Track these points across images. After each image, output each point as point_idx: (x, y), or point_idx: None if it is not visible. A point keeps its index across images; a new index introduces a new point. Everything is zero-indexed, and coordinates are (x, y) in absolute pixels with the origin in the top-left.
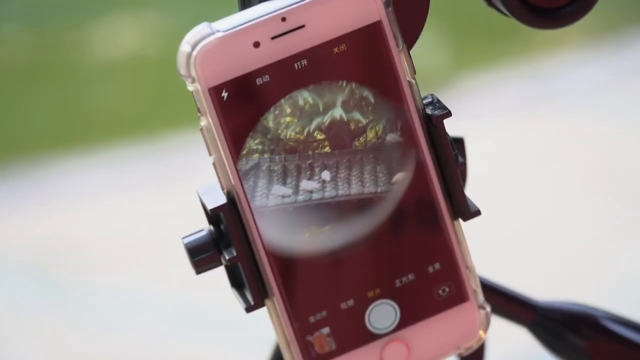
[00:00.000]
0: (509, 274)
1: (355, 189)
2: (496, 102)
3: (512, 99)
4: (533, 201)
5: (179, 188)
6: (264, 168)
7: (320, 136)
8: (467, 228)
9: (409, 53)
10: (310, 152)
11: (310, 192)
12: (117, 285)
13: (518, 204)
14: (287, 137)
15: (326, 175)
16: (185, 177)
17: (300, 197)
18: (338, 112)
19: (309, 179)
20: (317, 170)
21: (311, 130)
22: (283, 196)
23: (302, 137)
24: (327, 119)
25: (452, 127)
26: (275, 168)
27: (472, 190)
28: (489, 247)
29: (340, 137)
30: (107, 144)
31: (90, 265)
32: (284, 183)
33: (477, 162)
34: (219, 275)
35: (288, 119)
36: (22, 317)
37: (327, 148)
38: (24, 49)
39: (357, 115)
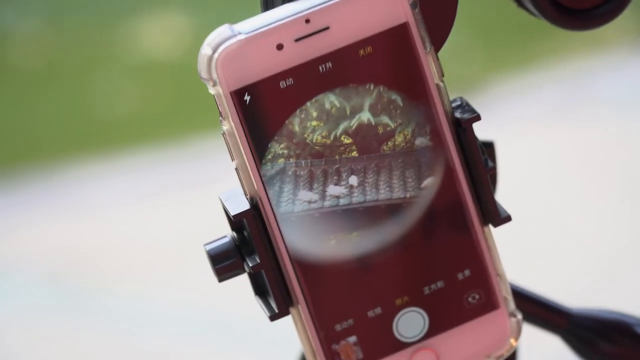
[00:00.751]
0: (541, 281)
1: (383, 194)
2: (531, 107)
3: (547, 105)
4: (567, 209)
5: (200, 195)
6: (289, 173)
7: (347, 140)
8: (498, 234)
9: (436, 55)
10: (337, 157)
11: (338, 197)
12: (137, 295)
13: (552, 211)
14: (314, 141)
15: (354, 180)
16: (207, 184)
17: (327, 203)
18: (366, 116)
19: (336, 184)
20: (344, 175)
21: (338, 134)
22: (310, 202)
23: (328, 142)
24: (354, 122)
25: (483, 132)
26: (302, 173)
27: (505, 197)
28: (521, 254)
29: (368, 141)
30: (127, 149)
31: (109, 274)
32: (311, 188)
33: (511, 168)
34: (241, 283)
35: (314, 122)
36: (40, 326)
37: (355, 152)
38: (45, 48)
39: (385, 119)
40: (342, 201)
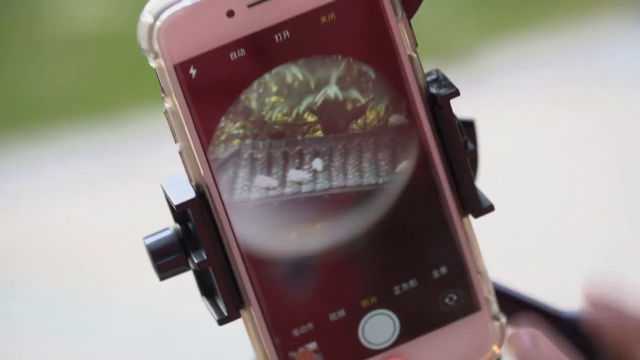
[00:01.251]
0: (529, 279)
1: (352, 180)
2: (527, 78)
3: (546, 75)
4: (559, 196)
5: (142, 184)
6: (244, 156)
7: (311, 118)
8: (479, 226)
9: (409, 22)
10: (299, 137)
11: (299, 183)
12: (67, 299)
13: (542, 199)
14: (273, 119)
15: (318, 164)
16: (150, 171)
17: (288, 190)
18: (332, 90)
19: (298, 168)
20: (307, 158)
21: (301, 111)
22: (268, 188)
23: (290, 120)
24: (319, 98)
25: (473, 110)
26: (259, 156)
27: (488, 183)
28: (506, 249)
29: (334, 119)
30: (56, 131)
31: (36, 275)
32: (269, 173)
33: (497, 151)
34: (187, 282)
35: (274, 98)
36: None
37: (320, 132)
38: None
39: (354, 94)
40: (304, 188)
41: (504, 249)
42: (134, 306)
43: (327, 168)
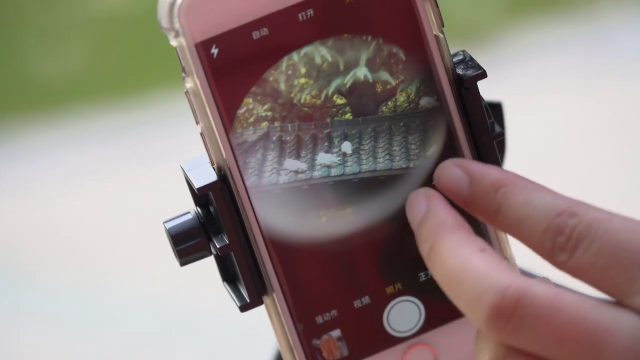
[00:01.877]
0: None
1: (382, 163)
2: (556, 62)
3: (573, 60)
4: (588, 182)
5: (161, 168)
6: (274, 138)
7: (340, 100)
8: None
9: (436, 2)
10: (328, 120)
11: (329, 167)
12: (83, 288)
13: (571, 185)
14: (302, 101)
15: (347, 147)
16: (170, 154)
17: (317, 173)
18: (362, 72)
19: (327, 151)
20: (336, 141)
21: (330, 93)
22: (297, 172)
23: (319, 102)
24: (348, 79)
25: (500, 93)
26: (288, 138)
27: (516, 167)
28: None
29: (364, 101)
30: (74, 113)
31: (51, 263)
32: (298, 156)
33: (529, 135)
34: (208, 271)
35: (302, 80)
36: None
37: (349, 115)
38: None
39: (384, 75)
40: (333, 171)
41: None
42: (150, 296)
43: (356, 151)
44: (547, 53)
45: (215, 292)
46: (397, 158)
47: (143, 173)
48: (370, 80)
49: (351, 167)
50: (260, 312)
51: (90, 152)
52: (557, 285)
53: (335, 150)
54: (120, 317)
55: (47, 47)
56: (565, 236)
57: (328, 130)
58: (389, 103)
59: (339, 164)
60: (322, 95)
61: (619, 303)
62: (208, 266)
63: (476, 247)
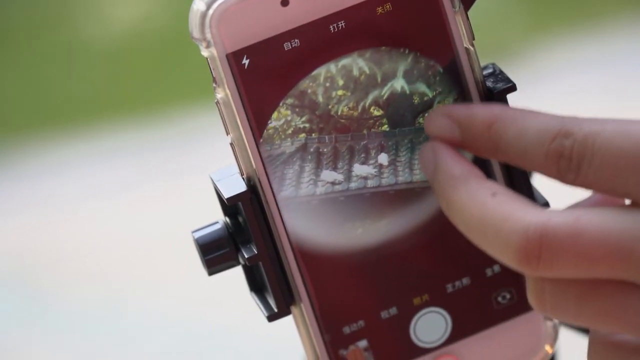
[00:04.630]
0: None
1: (418, 175)
2: (583, 78)
3: (604, 75)
4: None
5: (189, 183)
6: (310, 150)
7: (377, 112)
8: None
9: (467, 15)
10: (365, 132)
11: (365, 178)
12: (108, 305)
13: None
14: (339, 113)
15: (384, 158)
16: (197, 170)
17: (353, 185)
18: (399, 84)
19: (363, 162)
20: (372, 152)
21: (367, 105)
22: (334, 183)
23: (356, 114)
24: (385, 91)
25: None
26: (324, 150)
27: (546, 182)
28: None
29: (401, 113)
30: (97, 129)
31: (76, 280)
32: (335, 167)
33: None
34: (234, 283)
35: (340, 92)
36: None
37: (386, 126)
38: (3, 14)
39: (421, 87)
40: (370, 183)
41: None
42: (175, 314)
43: (392, 163)
44: (571, 71)
45: (240, 307)
46: None
47: (167, 188)
48: (407, 92)
49: (387, 179)
50: (287, 326)
51: (114, 168)
52: (576, 204)
53: (371, 161)
54: (145, 336)
55: (71, 62)
56: (566, 158)
57: (365, 142)
58: (426, 114)
59: (375, 176)
60: (360, 107)
61: (637, 205)
62: (234, 282)
63: (488, 193)
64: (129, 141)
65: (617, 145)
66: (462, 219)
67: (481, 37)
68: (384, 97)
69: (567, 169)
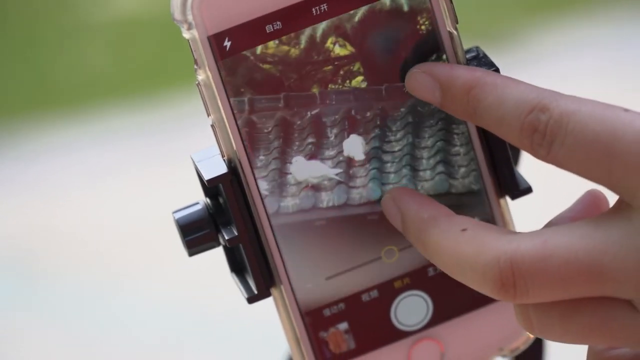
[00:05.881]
0: None
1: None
2: (576, 64)
3: (597, 61)
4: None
5: (179, 165)
6: (291, 130)
7: (343, 50)
8: (517, 208)
9: None
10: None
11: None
12: (106, 288)
13: (592, 186)
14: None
15: (358, 146)
16: (188, 152)
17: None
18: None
19: (344, 139)
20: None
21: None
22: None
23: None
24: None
25: None
26: (301, 124)
27: (545, 172)
28: None
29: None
30: (95, 113)
31: (73, 263)
32: (319, 149)
33: None
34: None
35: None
36: None
37: (360, 78)
38: None
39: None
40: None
41: None
42: (174, 298)
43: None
44: (565, 54)
45: (234, 290)
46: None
47: (162, 173)
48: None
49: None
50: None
51: (109, 152)
52: (550, 222)
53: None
54: (138, 319)
55: (67, 47)
56: (540, 133)
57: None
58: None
59: (359, 165)
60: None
61: (609, 212)
62: (226, 267)
63: (458, 230)
64: (123, 125)
65: (591, 128)
66: (439, 259)
67: (475, 21)
68: (355, 20)
69: (539, 145)
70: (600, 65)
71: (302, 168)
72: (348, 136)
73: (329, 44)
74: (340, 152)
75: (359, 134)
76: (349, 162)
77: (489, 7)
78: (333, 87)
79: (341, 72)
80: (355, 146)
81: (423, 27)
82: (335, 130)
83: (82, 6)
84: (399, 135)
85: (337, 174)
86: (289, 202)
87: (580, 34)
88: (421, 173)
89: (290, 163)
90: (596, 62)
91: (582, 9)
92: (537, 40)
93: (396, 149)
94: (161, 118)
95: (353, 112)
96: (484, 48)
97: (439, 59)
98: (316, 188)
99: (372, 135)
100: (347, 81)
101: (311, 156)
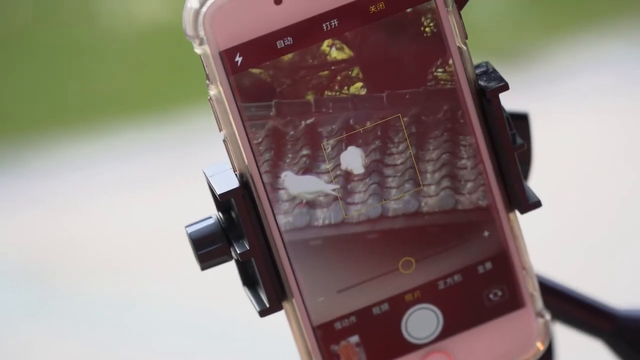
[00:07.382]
0: (581, 276)
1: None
2: (596, 79)
3: (620, 76)
4: (615, 200)
5: (198, 180)
6: (301, 144)
7: (362, 92)
8: (527, 223)
9: (459, 14)
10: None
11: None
12: (124, 299)
13: (600, 201)
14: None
15: (357, 160)
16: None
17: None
18: None
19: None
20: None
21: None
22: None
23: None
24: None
25: (536, 111)
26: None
27: (558, 185)
28: (554, 245)
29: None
30: (114, 128)
31: (92, 275)
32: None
33: (567, 154)
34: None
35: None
36: (6, 334)
37: (359, 84)
38: (18, 13)
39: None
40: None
41: (553, 245)
42: (185, 308)
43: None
44: (586, 71)
45: (245, 308)
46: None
47: (181, 187)
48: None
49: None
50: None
51: (128, 166)
52: None
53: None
54: (153, 329)
55: (86, 62)
56: None
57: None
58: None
59: (362, 179)
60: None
61: None
62: (238, 280)
63: None
64: (142, 139)
65: None
66: None
67: (493, 38)
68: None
69: None
70: (616, 83)
71: (297, 181)
72: (346, 148)
73: (325, 47)
74: (338, 165)
75: (358, 146)
76: (347, 175)
77: (507, 25)
78: (329, 94)
79: (338, 78)
80: (353, 159)
81: (427, 29)
82: (331, 142)
83: (100, 20)
84: (401, 147)
85: (333, 189)
86: (298, 216)
87: (596, 52)
88: (425, 188)
89: (286, 177)
90: (612, 80)
91: (598, 28)
92: (554, 58)
93: (398, 161)
94: (175, 133)
95: (351, 122)
96: (500, 65)
97: (444, 64)
98: (318, 203)
99: (372, 147)
100: (345, 88)
101: (305, 170)
